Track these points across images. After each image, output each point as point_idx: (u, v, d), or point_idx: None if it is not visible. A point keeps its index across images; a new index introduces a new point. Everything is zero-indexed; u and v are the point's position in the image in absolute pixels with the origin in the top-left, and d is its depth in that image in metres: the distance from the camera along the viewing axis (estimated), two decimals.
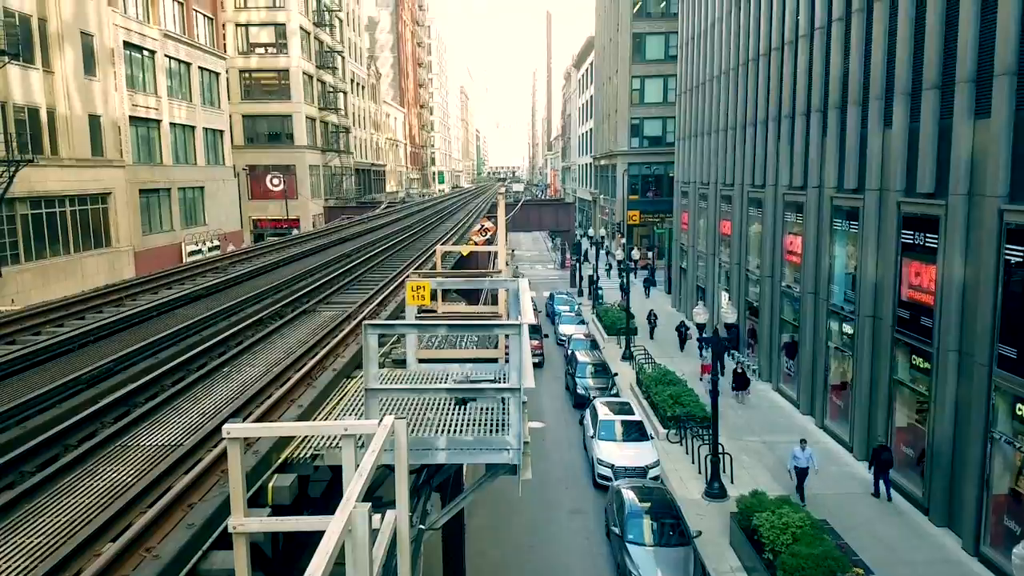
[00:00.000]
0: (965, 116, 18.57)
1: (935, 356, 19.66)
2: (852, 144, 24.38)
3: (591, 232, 78.99)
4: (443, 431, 9.10)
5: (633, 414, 25.42)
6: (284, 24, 62.29)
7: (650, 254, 62.49)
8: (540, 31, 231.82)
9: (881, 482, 21.27)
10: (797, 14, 28.87)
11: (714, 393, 21.42)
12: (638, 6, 65.31)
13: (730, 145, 37.21)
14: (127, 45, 38.12)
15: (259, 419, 9.57)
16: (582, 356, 32.70)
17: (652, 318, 40.74)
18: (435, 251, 22.30)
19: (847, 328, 25.04)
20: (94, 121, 34.72)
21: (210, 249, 44.91)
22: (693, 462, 23.62)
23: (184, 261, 41.00)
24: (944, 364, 19.28)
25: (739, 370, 29.48)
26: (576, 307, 46.63)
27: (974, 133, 18.40)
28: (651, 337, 39.49)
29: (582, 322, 43.08)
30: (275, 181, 57.71)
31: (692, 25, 45.51)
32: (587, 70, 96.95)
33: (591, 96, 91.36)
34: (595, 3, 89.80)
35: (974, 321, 18.23)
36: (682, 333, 37.77)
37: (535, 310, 20.59)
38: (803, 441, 21.41)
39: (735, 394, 29.42)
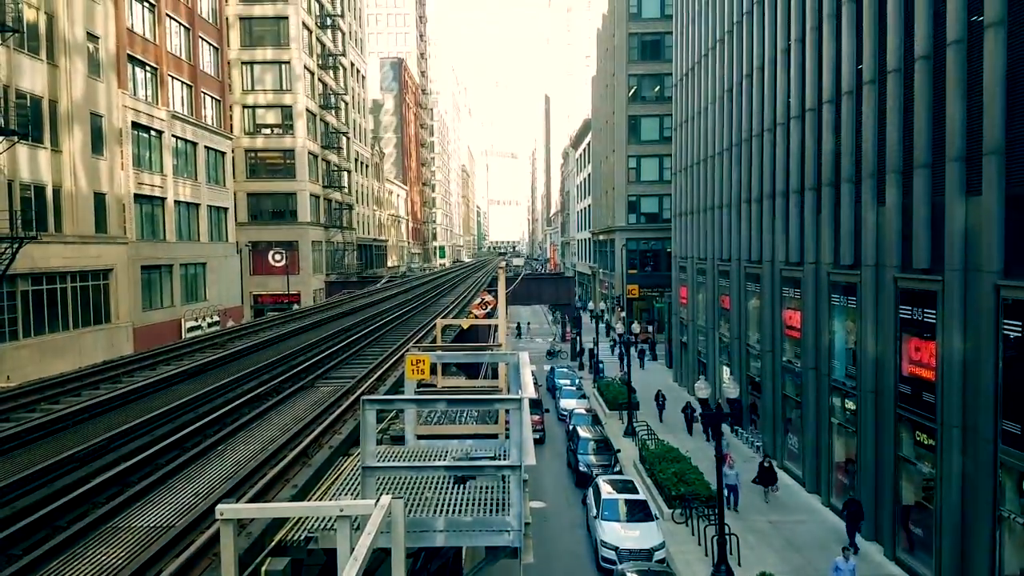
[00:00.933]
0: (956, 193, 18.85)
1: (939, 432, 19.42)
2: (846, 221, 24.68)
3: (591, 305, 79.15)
4: (441, 511, 8.92)
5: (637, 493, 24.90)
6: (291, 106, 63.98)
7: (650, 328, 62.48)
8: (539, 110, 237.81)
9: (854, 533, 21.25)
10: (788, 97, 29.68)
11: (719, 469, 21.06)
12: (633, 91, 67.31)
13: (725, 221, 37.67)
14: (135, 125, 39.06)
15: (253, 499, 9.41)
16: (584, 432, 32.29)
17: (660, 399, 39.08)
18: (435, 324, 22.34)
19: (850, 404, 24.83)
20: (99, 199, 35.27)
21: (210, 325, 44.93)
22: (699, 544, 23.04)
23: (183, 337, 40.98)
24: (948, 441, 19.02)
25: (766, 464, 27.35)
26: (577, 381, 46.32)
27: (966, 210, 18.64)
28: (660, 420, 38.01)
29: (583, 396, 42.72)
30: (277, 257, 58.32)
31: (685, 108, 46.75)
32: (585, 149, 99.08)
33: (589, 174, 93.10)
34: (591, 88, 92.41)
35: (976, 396, 18.08)
36: (688, 415, 36.42)
37: (535, 384, 20.29)
38: (846, 549, 19.60)
39: (763, 490, 27.25)
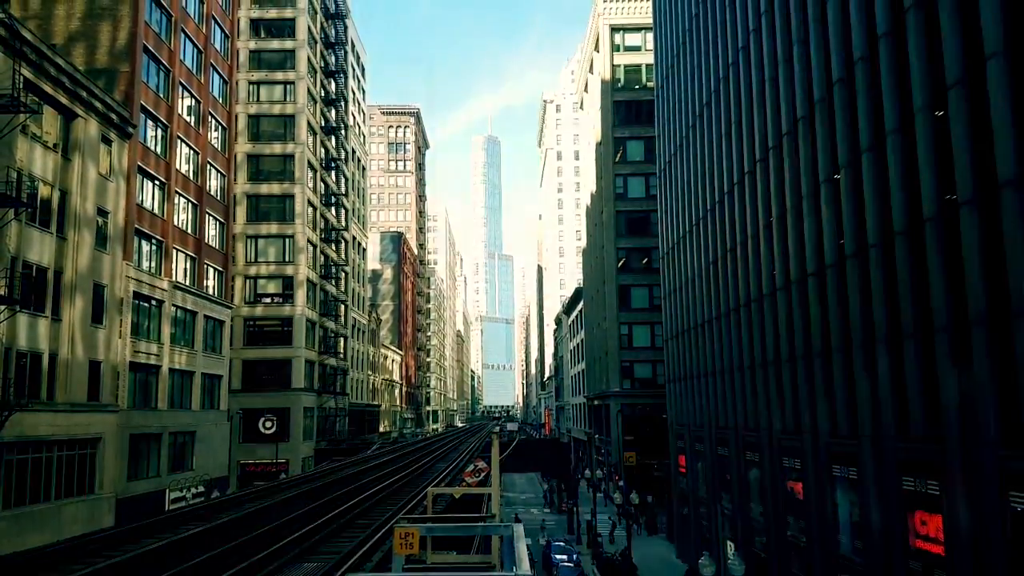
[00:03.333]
0: (947, 364, 18.96)
1: None
2: (840, 390, 24.67)
3: (587, 473, 77.04)
4: None
5: None
6: (292, 277, 65.73)
7: (649, 499, 60.50)
8: (532, 278, 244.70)
9: None
10: (772, 270, 30.61)
11: None
12: (622, 262, 69.64)
13: (719, 389, 37.63)
14: (136, 295, 39.77)
15: None
16: None
17: None
18: (426, 493, 21.83)
19: None
20: (94, 367, 35.27)
21: (194, 496, 43.49)
22: None
23: (167, 508, 39.59)
24: None
25: None
26: (576, 557, 44.21)
27: (958, 380, 18.69)
28: None
29: (582, 574, 40.63)
30: (268, 424, 57.44)
31: (673, 279, 48.14)
32: (577, 316, 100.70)
33: (582, 339, 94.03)
34: (581, 258, 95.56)
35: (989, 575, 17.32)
36: None
37: (531, 559, 19.33)
38: None
39: None
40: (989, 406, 17.40)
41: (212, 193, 50.40)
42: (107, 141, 36.99)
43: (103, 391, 35.96)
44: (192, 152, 47.58)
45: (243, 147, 66.36)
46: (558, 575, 40.21)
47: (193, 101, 48.26)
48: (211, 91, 50.97)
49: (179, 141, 45.52)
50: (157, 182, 42.74)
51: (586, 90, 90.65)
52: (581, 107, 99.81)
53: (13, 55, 29.39)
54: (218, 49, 52.84)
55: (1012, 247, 16.69)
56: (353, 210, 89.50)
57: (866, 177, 23.04)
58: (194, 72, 48.29)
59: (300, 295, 65.51)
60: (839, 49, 24.92)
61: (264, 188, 66.55)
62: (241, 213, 65.31)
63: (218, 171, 51.71)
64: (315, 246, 70.63)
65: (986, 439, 17.44)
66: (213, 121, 51.31)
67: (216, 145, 51.65)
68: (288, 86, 68.24)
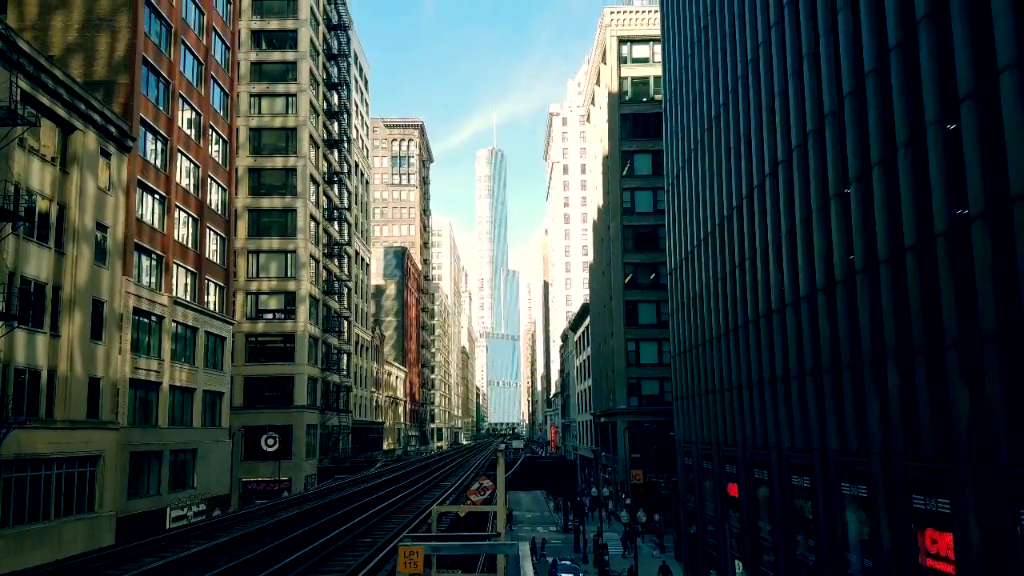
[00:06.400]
0: (958, 381, 18.57)
1: None
2: (850, 407, 24.25)
3: (594, 491, 76.39)
4: None
5: None
6: (294, 292, 65.41)
7: (657, 517, 59.80)
8: (538, 293, 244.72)
9: None
10: (781, 285, 30.21)
11: None
12: (629, 278, 69.20)
13: (727, 406, 37.15)
14: (136, 311, 39.44)
15: None
16: None
17: None
18: (431, 512, 21.54)
19: None
20: (93, 384, 34.92)
21: (195, 515, 43.00)
22: None
23: (168, 527, 39.13)
24: None
25: None
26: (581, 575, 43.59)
27: (970, 397, 18.28)
28: None
29: None
30: (270, 441, 56.89)
31: (681, 295, 47.71)
32: (584, 332, 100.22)
33: (588, 356, 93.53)
34: (588, 274, 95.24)
35: None
36: None
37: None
38: None
39: None
40: (1000, 424, 17.00)
41: (213, 207, 50.23)
42: (106, 154, 36.82)
43: (102, 408, 35.61)
44: (192, 165, 47.43)
45: (244, 160, 66.25)
46: None
47: (193, 114, 48.15)
48: (212, 103, 50.90)
49: (179, 154, 45.35)
50: (157, 196, 42.55)
51: (593, 103, 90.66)
52: (588, 120, 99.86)
53: (9, 66, 29.22)
54: (219, 61, 52.80)
55: None
56: (356, 224, 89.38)
57: (876, 191, 22.71)
58: (194, 84, 48.24)
59: (302, 311, 65.19)
60: (850, 61, 24.63)
61: (266, 202, 66.41)
62: (242, 227, 65.11)
63: (219, 185, 51.57)
64: (317, 261, 70.40)
65: (998, 457, 17.01)
66: (214, 134, 51.22)
67: (217, 158, 51.52)
68: (290, 98, 68.20)
